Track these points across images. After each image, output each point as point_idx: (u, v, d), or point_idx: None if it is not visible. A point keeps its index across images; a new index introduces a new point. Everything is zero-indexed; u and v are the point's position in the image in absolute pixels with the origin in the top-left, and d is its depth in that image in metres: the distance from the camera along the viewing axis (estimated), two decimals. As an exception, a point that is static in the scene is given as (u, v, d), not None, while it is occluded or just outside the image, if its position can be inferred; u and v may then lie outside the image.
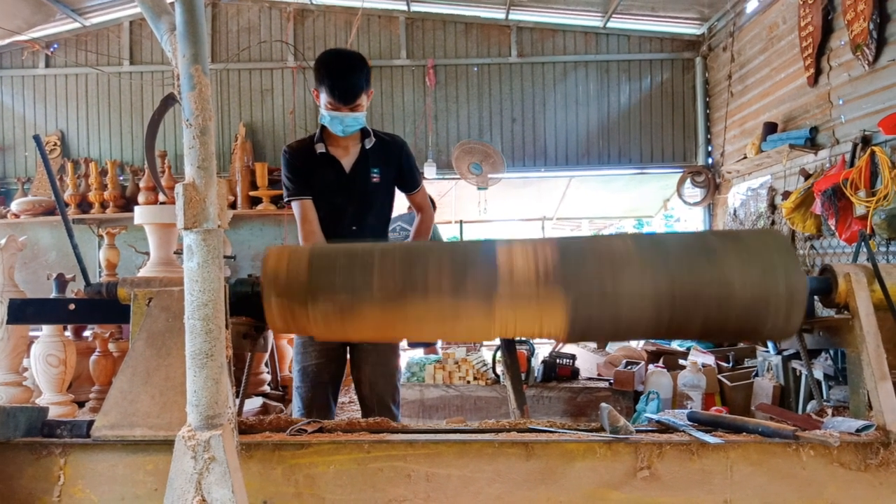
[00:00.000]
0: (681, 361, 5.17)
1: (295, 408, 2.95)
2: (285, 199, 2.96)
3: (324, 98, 2.77)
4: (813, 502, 1.74)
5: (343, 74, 2.73)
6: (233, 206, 7.09)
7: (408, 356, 5.88)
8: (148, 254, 4.29)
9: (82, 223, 7.26)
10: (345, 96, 2.73)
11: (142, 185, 6.76)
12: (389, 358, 2.98)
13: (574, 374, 5.05)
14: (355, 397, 4.93)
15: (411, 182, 3.05)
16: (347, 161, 2.91)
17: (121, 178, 7.40)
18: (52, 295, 3.33)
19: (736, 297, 1.79)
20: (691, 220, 8.59)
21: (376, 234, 2.95)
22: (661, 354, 5.40)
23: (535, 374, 4.90)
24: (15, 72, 7.96)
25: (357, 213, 2.92)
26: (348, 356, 3.02)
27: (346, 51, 2.87)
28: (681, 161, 7.86)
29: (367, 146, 2.91)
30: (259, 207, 7.08)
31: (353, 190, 2.90)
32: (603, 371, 5.25)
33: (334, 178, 2.90)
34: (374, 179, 2.92)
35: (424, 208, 3.16)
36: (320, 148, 2.89)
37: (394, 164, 2.97)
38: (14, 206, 7.20)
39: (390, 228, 3.17)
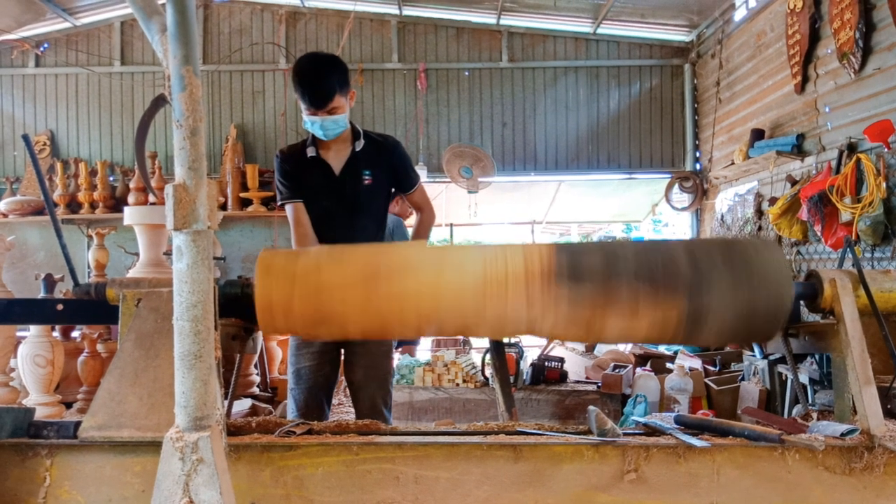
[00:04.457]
0: (668, 365, 5.19)
1: (289, 410, 2.96)
2: (278, 203, 2.99)
3: (301, 104, 2.79)
4: (798, 505, 1.76)
5: (313, 80, 2.73)
6: (223, 207, 7.07)
7: (397, 358, 5.87)
8: (137, 255, 4.28)
9: (71, 223, 7.22)
10: (316, 101, 2.73)
11: (132, 185, 6.73)
12: (382, 361, 2.98)
13: (562, 377, 5.07)
14: (345, 399, 4.95)
15: (406, 182, 3.03)
16: (337, 164, 2.91)
17: (111, 178, 7.36)
18: (41, 295, 3.31)
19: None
20: (679, 225, 8.62)
21: (369, 236, 2.92)
22: (649, 358, 5.42)
23: (524, 377, 4.91)
24: (4, 71, 7.89)
25: (348, 216, 2.91)
26: (342, 359, 3.02)
27: (319, 55, 2.85)
28: (669, 166, 7.89)
29: (357, 148, 2.91)
30: (249, 209, 7.06)
31: (343, 192, 2.90)
32: (591, 374, 5.28)
33: (324, 181, 2.90)
34: (366, 181, 2.92)
35: (424, 208, 3.14)
36: (311, 152, 2.90)
37: (386, 165, 2.96)
38: (2, 205, 7.14)
39: None
